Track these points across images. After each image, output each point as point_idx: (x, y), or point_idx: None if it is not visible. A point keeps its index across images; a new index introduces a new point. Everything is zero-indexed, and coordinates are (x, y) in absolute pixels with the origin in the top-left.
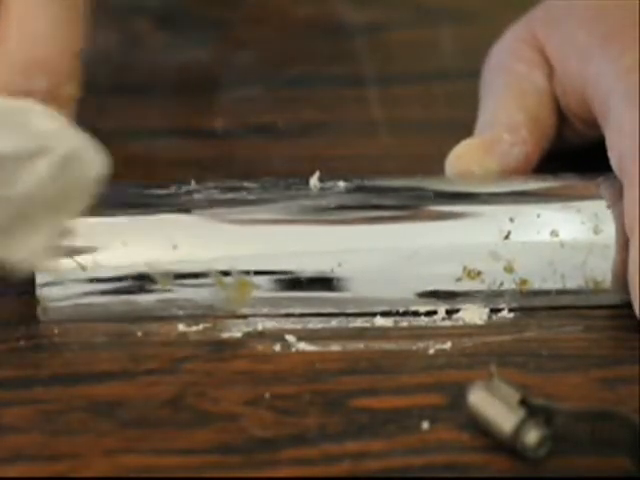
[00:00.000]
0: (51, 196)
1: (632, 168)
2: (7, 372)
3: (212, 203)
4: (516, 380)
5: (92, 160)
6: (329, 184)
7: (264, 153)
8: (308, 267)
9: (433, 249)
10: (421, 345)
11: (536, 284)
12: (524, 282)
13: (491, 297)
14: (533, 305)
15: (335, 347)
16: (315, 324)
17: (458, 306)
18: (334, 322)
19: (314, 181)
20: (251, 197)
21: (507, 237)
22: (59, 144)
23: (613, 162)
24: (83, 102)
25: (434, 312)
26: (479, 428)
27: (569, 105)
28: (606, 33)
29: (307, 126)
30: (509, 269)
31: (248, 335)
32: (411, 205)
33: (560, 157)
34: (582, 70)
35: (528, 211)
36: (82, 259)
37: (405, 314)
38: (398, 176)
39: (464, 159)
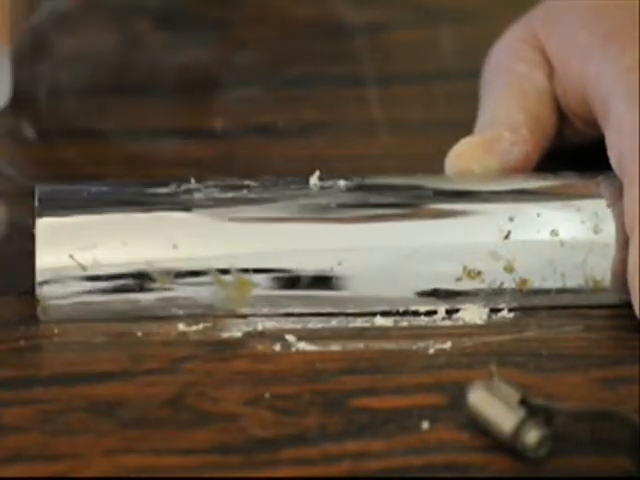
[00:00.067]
0: None
1: (632, 167)
2: (7, 372)
3: (212, 202)
4: (516, 380)
5: None
6: (329, 183)
7: (264, 153)
8: (308, 266)
9: (433, 248)
10: (421, 345)
11: (536, 283)
12: (524, 281)
13: (491, 297)
14: (533, 304)
15: (335, 347)
16: (315, 324)
17: (458, 306)
18: (334, 322)
19: (314, 180)
20: (251, 196)
21: (507, 237)
22: None
23: (613, 161)
24: (83, 102)
25: (434, 312)
26: (479, 428)
27: (569, 105)
28: (607, 33)
29: (307, 126)
30: (509, 269)
31: (248, 335)
32: (411, 204)
33: (560, 156)
34: (582, 70)
35: (528, 210)
36: (82, 257)
37: (405, 314)
38: (398, 175)
39: (464, 158)
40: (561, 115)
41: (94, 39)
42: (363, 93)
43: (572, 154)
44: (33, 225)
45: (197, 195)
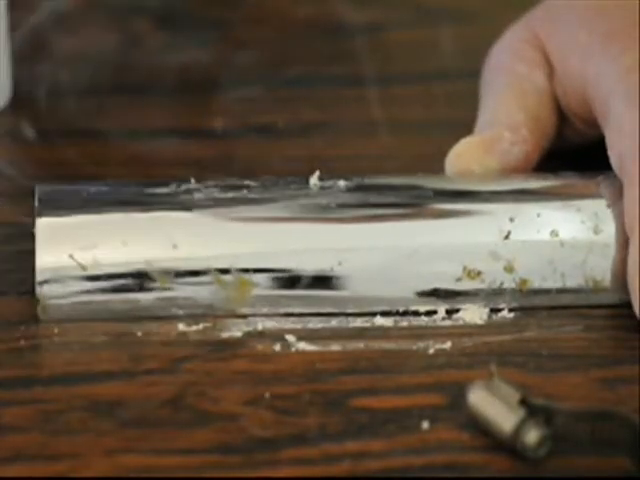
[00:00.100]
0: None
1: (632, 167)
2: (7, 372)
3: (212, 202)
4: (516, 380)
5: None
6: (329, 183)
7: (264, 153)
8: (308, 266)
9: (433, 248)
10: (421, 345)
11: (536, 283)
12: (524, 282)
13: (491, 297)
14: (533, 304)
15: (335, 347)
16: (315, 324)
17: (458, 306)
18: (334, 322)
19: (314, 180)
20: (251, 196)
21: (507, 237)
22: None
23: (613, 161)
24: (83, 102)
25: (434, 312)
26: (479, 428)
27: (569, 105)
28: (607, 33)
29: (307, 126)
30: (509, 269)
31: (248, 335)
32: (411, 204)
33: (560, 156)
34: (582, 70)
35: (528, 210)
36: (82, 257)
37: (405, 314)
38: (398, 175)
39: (464, 158)
40: (561, 115)
41: (94, 39)
42: (363, 93)
43: (572, 154)
44: (33, 225)
45: (197, 195)
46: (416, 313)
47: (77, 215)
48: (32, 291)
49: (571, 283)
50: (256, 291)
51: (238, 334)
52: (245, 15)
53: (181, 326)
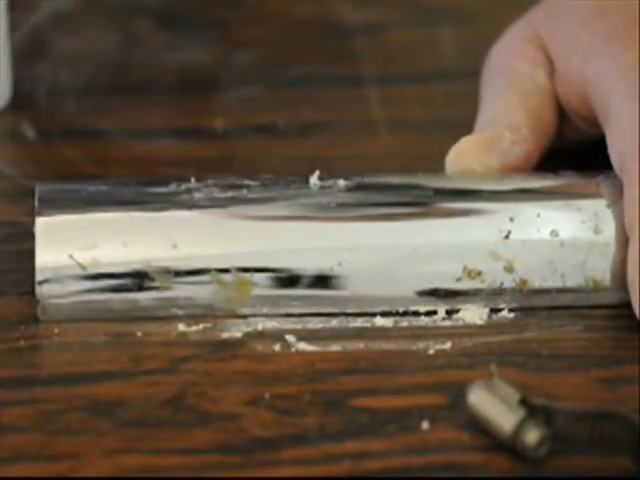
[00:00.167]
0: None
1: (632, 166)
2: (7, 372)
3: (212, 201)
4: (516, 380)
5: None
6: (329, 183)
7: (264, 153)
8: (308, 265)
9: (433, 248)
10: (421, 345)
11: (536, 283)
12: (524, 282)
13: (491, 297)
14: (533, 304)
15: (335, 347)
16: (315, 324)
17: (458, 306)
18: (334, 322)
19: (314, 180)
20: (251, 195)
21: (507, 237)
22: None
23: (613, 161)
24: (83, 102)
25: (434, 312)
26: (479, 428)
27: (570, 103)
28: (608, 32)
29: (307, 126)
30: (509, 269)
31: (248, 335)
32: (411, 203)
33: (560, 156)
34: (583, 69)
35: (528, 210)
36: (82, 257)
37: (405, 314)
38: (398, 174)
39: (464, 157)
40: (562, 114)
41: (94, 39)
42: (363, 93)
43: (572, 154)
44: (33, 225)
45: (197, 195)
46: (416, 313)
47: (77, 215)
48: (32, 291)
49: (571, 283)
50: (256, 291)
51: (238, 334)
52: (245, 15)
53: (181, 326)
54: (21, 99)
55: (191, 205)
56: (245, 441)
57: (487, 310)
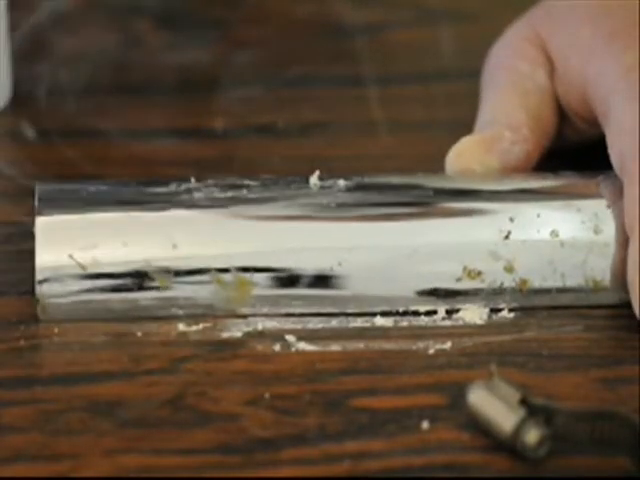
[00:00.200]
0: None
1: (632, 167)
2: (7, 372)
3: (212, 201)
4: (516, 380)
5: None
6: (329, 183)
7: (264, 153)
8: (308, 265)
9: (433, 248)
10: (421, 345)
11: (536, 283)
12: (524, 282)
13: (491, 297)
14: (533, 304)
15: (335, 347)
16: (315, 324)
17: (458, 306)
18: (334, 322)
19: (314, 180)
20: (251, 195)
21: (507, 237)
22: None
23: (613, 160)
24: (83, 102)
25: (434, 312)
26: (479, 428)
27: (570, 103)
28: (608, 32)
29: (307, 126)
30: (509, 269)
31: (248, 335)
32: (411, 203)
33: (560, 156)
34: (583, 69)
35: (528, 210)
36: (82, 256)
37: (405, 314)
38: (398, 174)
39: (464, 157)
40: (561, 114)
41: (94, 39)
42: (363, 93)
43: (572, 154)
44: (33, 224)
45: (197, 194)
46: (416, 313)
47: (77, 214)
48: (32, 291)
49: (571, 283)
50: (256, 291)
51: (238, 334)
52: (245, 15)
53: (181, 326)
54: (21, 99)
55: (191, 205)
56: (245, 441)
57: (487, 310)
